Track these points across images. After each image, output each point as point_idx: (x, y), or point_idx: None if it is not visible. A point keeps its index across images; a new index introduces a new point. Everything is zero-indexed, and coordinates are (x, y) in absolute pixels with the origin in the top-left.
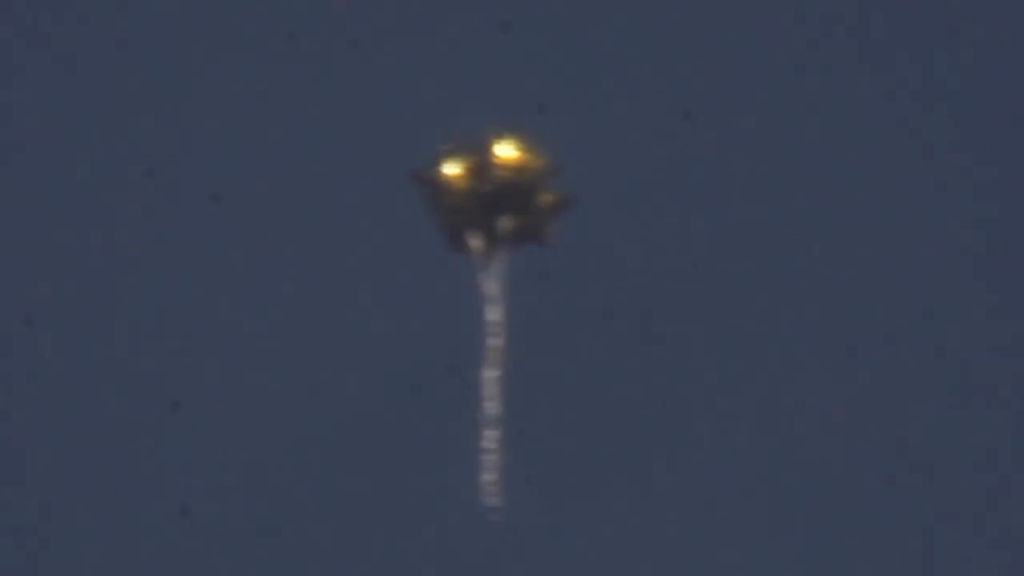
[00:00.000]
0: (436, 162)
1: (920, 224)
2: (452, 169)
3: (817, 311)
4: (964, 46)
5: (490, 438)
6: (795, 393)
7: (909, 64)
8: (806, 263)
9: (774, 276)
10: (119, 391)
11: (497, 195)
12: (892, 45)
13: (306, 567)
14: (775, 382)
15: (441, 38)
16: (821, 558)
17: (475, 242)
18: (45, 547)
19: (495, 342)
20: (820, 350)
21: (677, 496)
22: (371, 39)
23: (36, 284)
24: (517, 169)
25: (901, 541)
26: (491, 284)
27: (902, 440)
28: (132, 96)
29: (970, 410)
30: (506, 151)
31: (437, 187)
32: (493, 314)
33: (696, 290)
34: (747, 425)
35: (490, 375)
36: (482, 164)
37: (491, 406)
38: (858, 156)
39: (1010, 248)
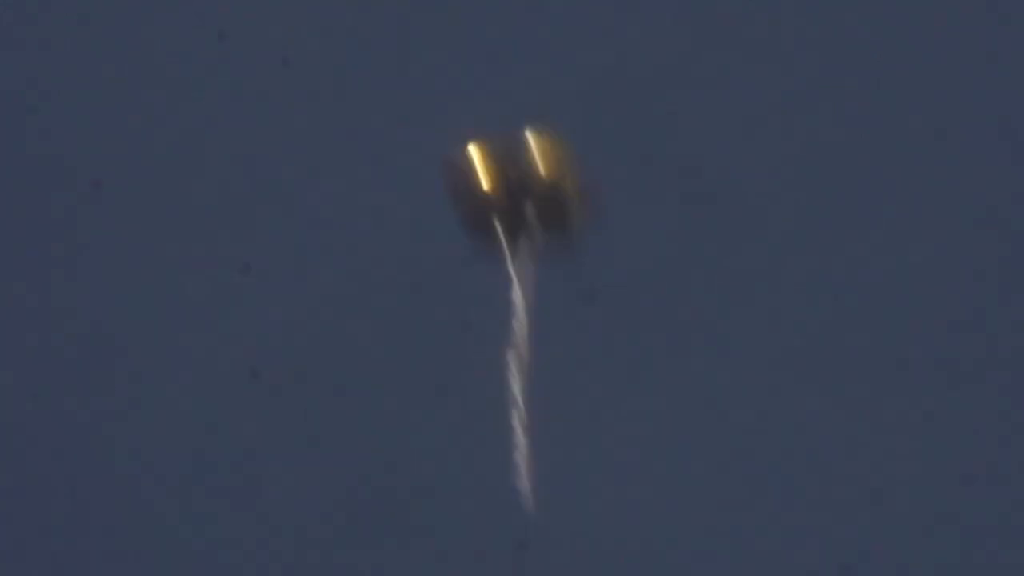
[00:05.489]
0: (464, 151)
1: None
2: (480, 159)
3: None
4: None
5: (518, 434)
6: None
7: None
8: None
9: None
10: (190, 253)
11: (524, 187)
12: None
13: (370, 428)
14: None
15: (478, 25)
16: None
17: (501, 233)
18: (114, 407)
19: (520, 336)
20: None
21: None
22: (407, 26)
23: (104, 147)
24: (546, 162)
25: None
26: (516, 276)
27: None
28: None
29: None
30: (536, 143)
31: (464, 176)
32: (518, 308)
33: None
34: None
35: (515, 368)
36: (511, 155)
37: (517, 400)
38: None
39: None
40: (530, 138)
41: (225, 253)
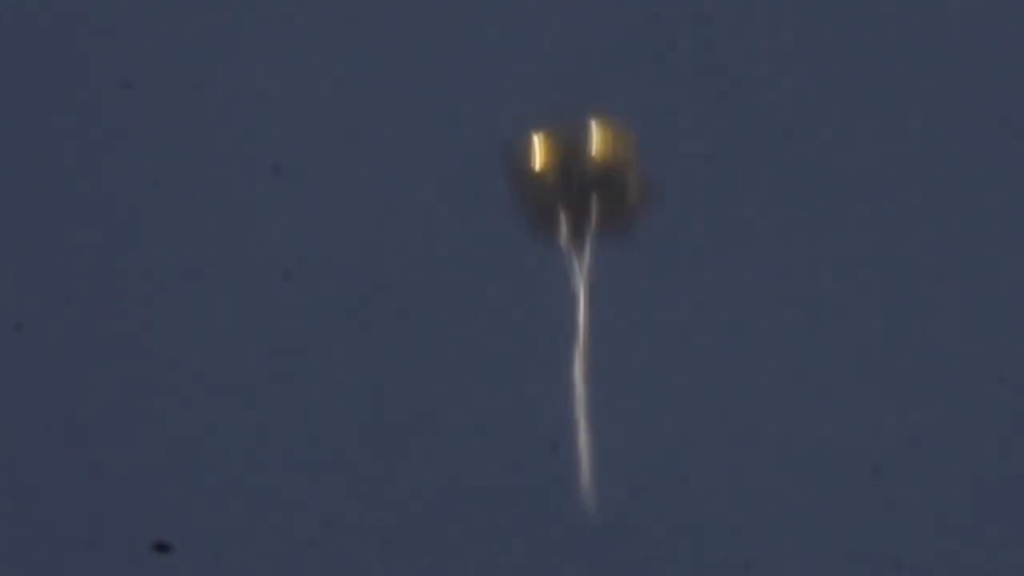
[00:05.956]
0: (526, 144)
1: None
2: (542, 152)
3: None
4: None
5: (579, 428)
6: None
7: None
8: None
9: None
10: (218, 157)
11: (586, 181)
12: None
13: (404, 334)
14: None
15: (539, 11)
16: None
17: (562, 227)
18: (142, 306)
19: (581, 330)
20: None
21: None
22: (463, 10)
23: (133, 49)
24: (608, 156)
25: None
26: (577, 270)
27: None
28: None
29: None
30: (598, 137)
31: (525, 170)
32: (579, 302)
33: None
34: None
35: (576, 362)
36: (573, 149)
37: (579, 394)
38: None
39: None
40: (593, 126)
41: (256, 154)
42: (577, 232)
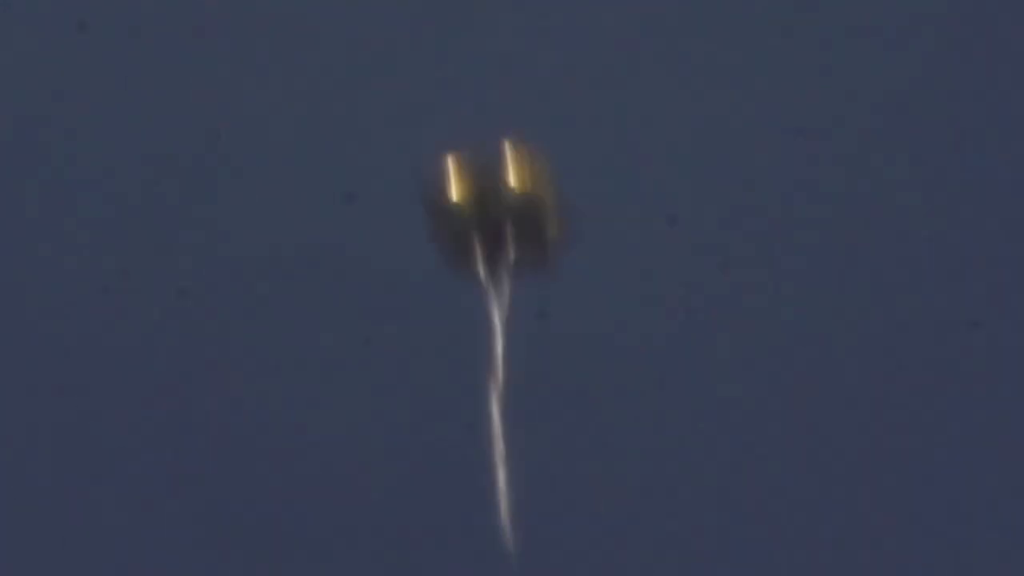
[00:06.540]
0: (443, 182)
1: None
2: (459, 190)
3: None
4: None
5: (499, 468)
6: None
7: None
8: None
9: None
10: None
11: (500, 200)
12: None
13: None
14: None
15: (456, 31)
16: None
17: (480, 266)
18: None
19: (498, 370)
20: None
21: None
22: (385, 30)
23: None
24: (523, 174)
25: None
26: (495, 310)
27: None
28: None
29: None
30: (513, 155)
31: (442, 208)
32: (496, 340)
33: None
34: None
35: (493, 404)
36: (492, 186)
37: (495, 437)
38: None
39: None
40: (507, 149)
41: None
42: (494, 263)
